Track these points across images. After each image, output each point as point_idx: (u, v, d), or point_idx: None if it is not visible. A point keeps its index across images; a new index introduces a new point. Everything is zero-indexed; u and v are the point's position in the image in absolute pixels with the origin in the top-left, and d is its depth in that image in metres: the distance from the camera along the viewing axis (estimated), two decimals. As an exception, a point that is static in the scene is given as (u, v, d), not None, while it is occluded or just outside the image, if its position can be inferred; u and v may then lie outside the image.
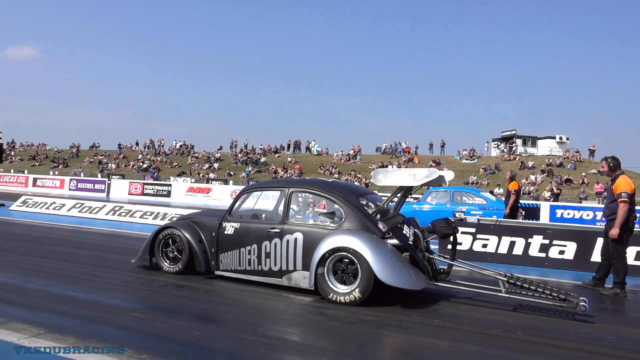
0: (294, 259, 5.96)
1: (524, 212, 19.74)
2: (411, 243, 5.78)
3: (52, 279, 6.54)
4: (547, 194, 27.63)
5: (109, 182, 31.35)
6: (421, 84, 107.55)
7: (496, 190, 29.31)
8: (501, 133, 45.90)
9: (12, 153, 50.14)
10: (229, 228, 6.46)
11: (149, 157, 45.37)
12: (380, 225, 5.83)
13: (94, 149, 50.15)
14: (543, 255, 9.04)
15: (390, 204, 6.32)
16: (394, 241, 5.72)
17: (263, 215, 6.72)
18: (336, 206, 6.07)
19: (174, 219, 11.48)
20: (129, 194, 29.82)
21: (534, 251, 9.11)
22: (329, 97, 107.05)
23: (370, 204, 6.31)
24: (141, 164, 43.23)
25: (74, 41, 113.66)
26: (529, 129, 78.87)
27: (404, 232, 5.85)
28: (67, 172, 40.77)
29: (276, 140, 47.96)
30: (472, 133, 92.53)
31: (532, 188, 30.83)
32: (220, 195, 26.67)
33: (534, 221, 16.27)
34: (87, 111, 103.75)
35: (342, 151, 42.02)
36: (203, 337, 4.45)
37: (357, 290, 5.52)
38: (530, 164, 35.44)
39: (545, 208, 20.64)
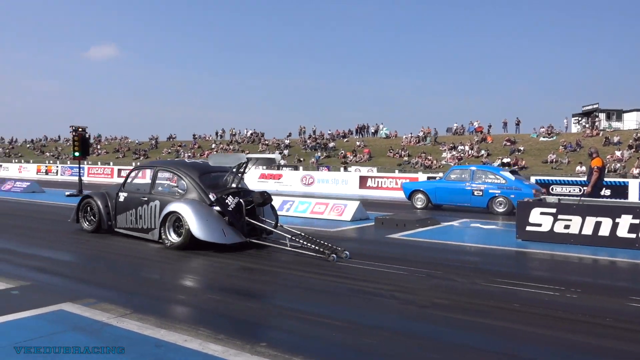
0: (154, 219, 8.18)
1: (609, 190, 18.51)
2: (231, 210, 7.67)
3: (137, 263, 6.92)
4: (636, 171, 25.67)
5: (185, 171, 32.69)
6: (492, 61, 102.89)
7: (578, 168, 27.59)
8: (582, 108, 43.05)
9: (99, 147, 53.57)
10: (121, 197, 8.86)
11: (221, 146, 46.90)
12: (211, 196, 7.87)
13: (171, 140, 52.50)
14: (633, 236, 8.39)
15: (229, 179, 8.31)
16: (218, 208, 7.76)
17: (140, 188, 8.83)
18: (182, 181, 8.31)
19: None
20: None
21: (622, 232, 8.47)
22: (396, 78, 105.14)
23: (213, 179, 8.30)
24: (215, 152, 44.84)
25: (149, 38, 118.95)
26: (613, 102, 73.41)
27: (227, 201, 7.72)
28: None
29: (344, 125, 47.91)
30: (550, 109, 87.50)
31: (618, 165, 28.77)
32: (291, 181, 27.01)
33: (622, 200, 15.18)
34: (164, 104, 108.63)
35: (411, 133, 41.27)
36: (278, 315, 4.53)
37: (182, 239, 7.64)
38: (615, 139, 33.04)
39: (634, 186, 19.19)
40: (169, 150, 48.17)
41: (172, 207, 7.82)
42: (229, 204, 7.73)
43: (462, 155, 34.15)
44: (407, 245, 8.79)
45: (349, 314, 4.67)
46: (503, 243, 8.96)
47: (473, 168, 15.21)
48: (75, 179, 21.90)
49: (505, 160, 27.14)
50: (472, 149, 34.99)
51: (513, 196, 13.41)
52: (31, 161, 45.53)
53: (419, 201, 15.64)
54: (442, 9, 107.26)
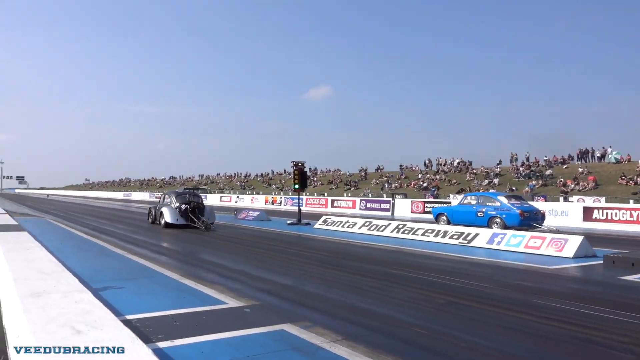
0: (158, 215, 19.16)
1: None
2: (182, 210, 18.02)
3: (348, 291, 7.30)
4: None
5: (393, 201, 33.46)
6: None
7: None
8: None
9: (315, 179, 58.52)
10: (159, 208, 19.20)
11: (428, 176, 46.81)
12: (177, 205, 18.34)
13: (379, 171, 54.50)
14: None
15: (188, 197, 18.79)
16: (179, 209, 18.15)
17: (159, 204, 20.10)
18: (168, 199, 19.10)
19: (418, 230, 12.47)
20: (411, 212, 31.21)
21: None
22: (619, 97, 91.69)
23: (182, 197, 18.69)
24: (421, 182, 44.91)
25: (359, 78, 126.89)
26: None
27: (182, 207, 18.08)
28: (357, 193, 45.33)
29: (562, 150, 43.43)
30: None
31: None
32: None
33: None
34: (372, 136, 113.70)
35: (649, 157, 35.27)
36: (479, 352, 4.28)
37: (163, 223, 18.18)
38: None
39: None
40: (377, 181, 49.91)
41: (161, 209, 18.66)
42: (182, 208, 18.08)
43: None
44: (646, 290, 7.49)
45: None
46: None
47: (479, 195, 18.67)
48: (296, 209, 24.20)
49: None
50: None
51: (504, 216, 16.55)
52: (260, 193, 52.02)
53: (442, 221, 18.60)
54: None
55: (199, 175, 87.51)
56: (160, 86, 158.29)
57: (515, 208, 16.61)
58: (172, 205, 18.40)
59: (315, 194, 45.54)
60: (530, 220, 16.31)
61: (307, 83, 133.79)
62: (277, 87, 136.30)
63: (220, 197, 53.71)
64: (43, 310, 1.98)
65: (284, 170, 65.70)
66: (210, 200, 53.20)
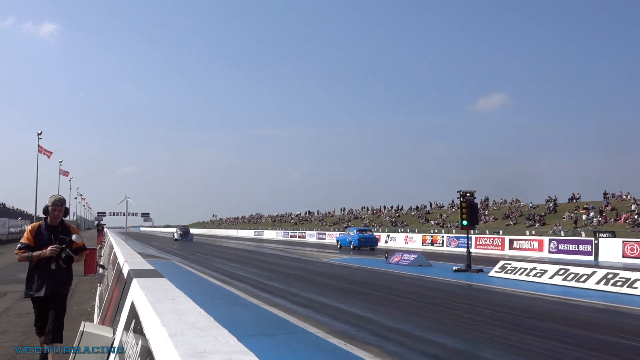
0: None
1: None
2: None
3: (542, 361, 6.82)
4: None
5: (595, 241, 30.97)
6: None
7: None
8: None
9: (486, 212, 56.59)
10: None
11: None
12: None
13: (574, 201, 50.98)
14: None
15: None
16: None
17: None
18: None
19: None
20: (624, 256, 28.54)
21: None
22: None
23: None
24: (636, 216, 40.99)
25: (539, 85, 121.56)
26: None
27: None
28: (544, 230, 42.81)
29: None
30: None
31: None
32: None
33: None
34: (563, 155, 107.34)
35: None
36: None
37: None
38: None
39: None
40: (571, 214, 46.66)
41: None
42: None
43: None
44: None
45: None
46: None
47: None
48: (462, 250, 23.53)
49: None
50: None
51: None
52: (416, 230, 51.69)
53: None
54: None
55: (340, 210, 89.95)
56: (293, 106, 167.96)
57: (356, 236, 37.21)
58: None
59: (488, 231, 44.00)
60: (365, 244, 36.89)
61: (476, 91, 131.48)
62: (438, 99, 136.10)
63: (367, 236, 54.42)
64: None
65: (453, 201, 64.40)
66: (355, 239, 54.38)
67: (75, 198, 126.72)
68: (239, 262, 25.77)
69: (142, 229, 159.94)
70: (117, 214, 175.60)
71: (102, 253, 18.78)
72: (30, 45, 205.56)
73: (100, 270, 12.06)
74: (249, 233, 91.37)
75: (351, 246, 38.04)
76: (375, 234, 46.21)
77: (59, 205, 5.87)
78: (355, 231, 40.10)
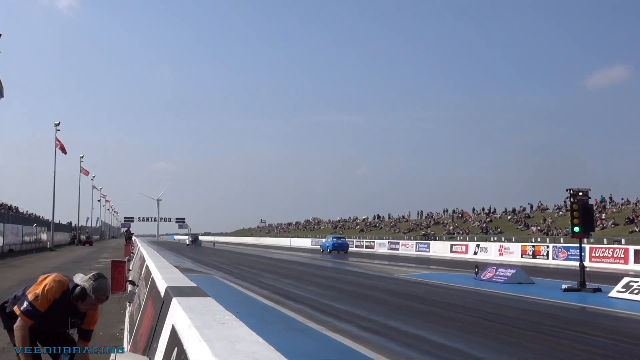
0: None
1: None
2: None
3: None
4: None
5: None
6: None
7: None
8: None
9: (604, 215, 55.06)
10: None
11: None
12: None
13: None
14: None
15: None
16: None
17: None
18: None
19: None
20: None
21: None
22: None
23: None
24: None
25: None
26: None
27: None
28: (680, 239, 41.28)
29: None
30: None
31: None
32: None
33: None
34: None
35: None
36: None
37: None
38: None
39: None
40: None
41: None
42: None
43: None
44: None
45: None
46: None
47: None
48: (573, 264, 22.98)
49: None
50: None
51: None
52: (513, 239, 50.82)
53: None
54: None
55: (417, 213, 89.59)
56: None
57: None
58: None
59: (606, 240, 42.80)
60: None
61: (591, 62, 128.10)
62: (544, 73, 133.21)
63: (451, 245, 53.94)
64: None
65: (558, 203, 63.13)
66: (436, 250, 54.06)
67: (99, 201, 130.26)
68: (293, 277, 26.00)
69: (176, 237, 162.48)
70: (147, 219, 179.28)
71: (132, 266, 19.27)
72: (46, 18, 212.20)
73: (130, 287, 12.27)
74: (305, 242, 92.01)
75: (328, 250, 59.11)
76: (462, 244, 45.71)
77: (103, 300, 5.31)
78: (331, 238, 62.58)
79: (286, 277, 26.24)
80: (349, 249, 61.41)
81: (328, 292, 19.33)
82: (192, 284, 5.22)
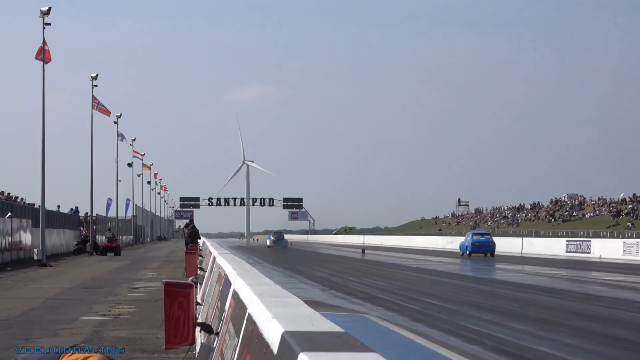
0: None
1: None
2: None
3: None
4: None
5: None
6: None
7: None
8: None
9: None
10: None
11: None
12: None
13: None
14: None
15: None
16: None
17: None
18: None
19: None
20: None
21: None
22: None
23: None
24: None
25: None
26: None
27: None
28: None
29: None
30: None
31: None
32: None
33: None
34: None
35: None
36: None
37: None
38: None
39: None
40: None
41: None
42: None
43: None
44: None
45: None
46: None
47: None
48: None
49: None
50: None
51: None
52: None
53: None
54: None
55: (630, 197, 70.90)
56: None
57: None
58: None
59: None
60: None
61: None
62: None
63: None
64: None
65: None
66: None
67: (129, 165, 72.43)
68: (529, 317, 13.78)
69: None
70: (225, 201, 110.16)
71: (202, 296, 9.35)
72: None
73: (202, 336, 6.18)
74: (514, 243, 54.08)
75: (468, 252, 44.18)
76: None
77: None
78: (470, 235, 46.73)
79: (512, 315, 14.09)
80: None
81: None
82: (335, 327, 1.84)
